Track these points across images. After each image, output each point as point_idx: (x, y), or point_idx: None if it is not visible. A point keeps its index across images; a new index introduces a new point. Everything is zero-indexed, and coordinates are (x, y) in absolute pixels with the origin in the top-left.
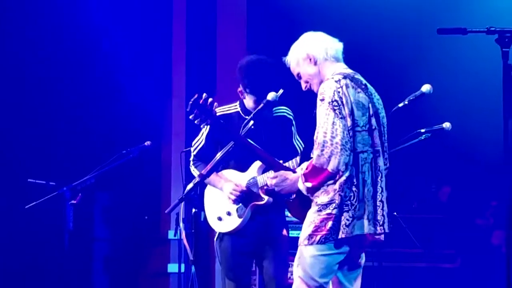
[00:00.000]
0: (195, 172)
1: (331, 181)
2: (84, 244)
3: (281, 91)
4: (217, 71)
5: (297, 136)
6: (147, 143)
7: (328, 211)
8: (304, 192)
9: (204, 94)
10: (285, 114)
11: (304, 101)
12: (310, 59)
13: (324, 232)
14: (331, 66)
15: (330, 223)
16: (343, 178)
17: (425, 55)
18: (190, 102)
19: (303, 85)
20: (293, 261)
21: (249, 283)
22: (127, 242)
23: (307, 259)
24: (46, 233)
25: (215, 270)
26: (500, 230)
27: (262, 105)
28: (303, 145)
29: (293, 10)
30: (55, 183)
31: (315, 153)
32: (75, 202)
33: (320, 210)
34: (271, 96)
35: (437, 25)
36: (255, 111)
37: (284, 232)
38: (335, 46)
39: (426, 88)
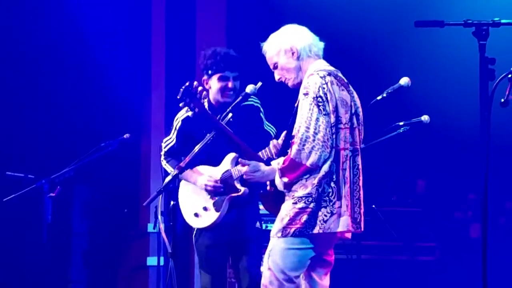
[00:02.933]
0: (167, 166)
1: (309, 175)
2: (63, 237)
3: (259, 83)
4: (196, 63)
5: (267, 122)
6: (126, 135)
7: (303, 204)
8: (281, 187)
9: (195, 82)
10: (251, 103)
11: (279, 94)
12: (293, 53)
13: (298, 226)
14: (314, 63)
15: (305, 217)
16: (322, 173)
17: (403, 48)
18: (182, 89)
19: (277, 77)
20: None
21: (225, 276)
22: (106, 235)
23: (279, 251)
24: (24, 226)
25: (194, 263)
26: (478, 223)
27: (240, 97)
28: (275, 130)
29: (272, 4)
30: (34, 176)
31: (294, 147)
32: (53, 195)
33: (295, 203)
34: (249, 88)
35: (415, 17)
36: (234, 103)
37: (257, 224)
38: (318, 44)
39: (404, 81)
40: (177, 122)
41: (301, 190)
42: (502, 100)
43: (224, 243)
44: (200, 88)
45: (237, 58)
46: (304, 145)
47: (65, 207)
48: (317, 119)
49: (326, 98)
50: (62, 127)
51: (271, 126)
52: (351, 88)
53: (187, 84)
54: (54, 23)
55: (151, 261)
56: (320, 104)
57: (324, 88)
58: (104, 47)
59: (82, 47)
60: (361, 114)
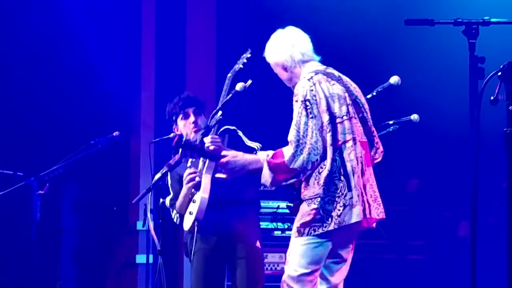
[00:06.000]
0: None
1: (316, 176)
2: (52, 235)
3: (249, 81)
4: (186, 62)
5: (247, 140)
6: (116, 133)
7: (314, 205)
8: (268, 182)
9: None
10: (226, 128)
11: (270, 93)
12: (281, 67)
13: (312, 225)
14: (303, 68)
15: (318, 217)
16: (326, 172)
17: (393, 46)
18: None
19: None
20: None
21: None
22: (95, 233)
23: (298, 248)
24: (13, 224)
25: (183, 261)
26: (466, 221)
27: (230, 95)
28: (259, 144)
29: (263, 4)
30: (23, 173)
31: (289, 151)
32: (42, 192)
33: (309, 205)
34: (239, 86)
35: (405, 16)
36: (224, 100)
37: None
38: (302, 48)
39: (394, 79)
40: (166, 181)
41: (309, 190)
42: (492, 98)
43: (220, 258)
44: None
45: (194, 96)
46: (296, 149)
47: (54, 204)
48: (306, 123)
49: (315, 100)
50: (51, 125)
51: (254, 143)
52: (345, 80)
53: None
54: (44, 23)
55: (140, 258)
56: (308, 107)
57: (312, 90)
58: (94, 47)
59: (72, 46)
60: (362, 101)
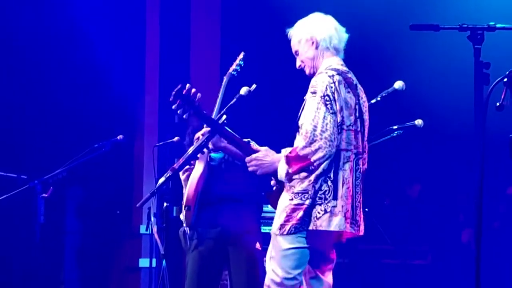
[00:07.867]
0: None
1: (307, 172)
2: (55, 238)
3: (254, 86)
4: (190, 65)
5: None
6: (120, 137)
7: (299, 201)
8: (282, 176)
9: (188, 85)
10: None
11: (274, 96)
12: (313, 43)
13: (294, 222)
14: (329, 58)
15: (300, 213)
16: (320, 170)
17: (398, 51)
18: (173, 92)
19: (298, 63)
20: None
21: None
22: (98, 236)
23: (279, 251)
24: (16, 227)
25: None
26: (469, 227)
27: (235, 99)
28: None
29: (266, 5)
30: (26, 176)
31: (301, 143)
32: (46, 195)
33: (292, 199)
34: (243, 90)
35: (410, 21)
36: (228, 105)
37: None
38: (341, 36)
39: (398, 84)
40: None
41: (298, 186)
42: (498, 104)
43: (218, 258)
44: (193, 90)
45: None
46: (311, 143)
47: (58, 207)
48: (325, 118)
49: (334, 97)
50: (55, 128)
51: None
52: (359, 90)
53: (179, 86)
54: (47, 28)
55: (143, 262)
56: (327, 102)
57: (332, 87)
58: (98, 50)
59: (76, 49)
60: (366, 118)
